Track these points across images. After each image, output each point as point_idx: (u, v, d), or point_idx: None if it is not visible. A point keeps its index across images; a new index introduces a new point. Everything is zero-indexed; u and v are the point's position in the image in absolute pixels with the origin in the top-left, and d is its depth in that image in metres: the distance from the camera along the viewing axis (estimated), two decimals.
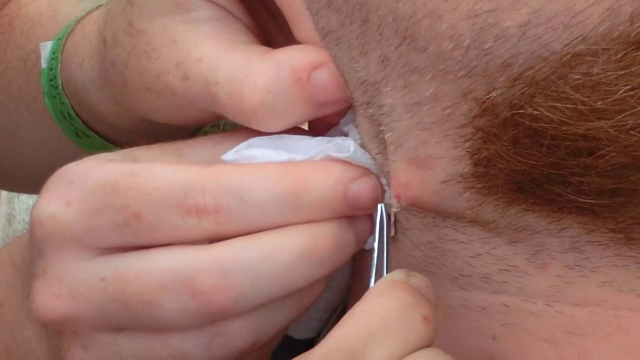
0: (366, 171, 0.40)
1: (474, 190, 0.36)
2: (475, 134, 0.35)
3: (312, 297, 0.42)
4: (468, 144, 0.35)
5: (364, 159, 0.40)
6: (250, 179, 0.39)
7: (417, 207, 0.38)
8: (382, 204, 0.38)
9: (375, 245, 0.38)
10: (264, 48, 0.42)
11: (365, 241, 0.42)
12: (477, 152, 0.35)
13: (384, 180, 0.41)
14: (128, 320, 0.40)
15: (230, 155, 0.41)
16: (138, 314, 0.39)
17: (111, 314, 0.40)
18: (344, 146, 0.40)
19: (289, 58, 0.40)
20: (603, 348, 0.37)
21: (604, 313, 0.37)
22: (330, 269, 0.40)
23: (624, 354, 0.37)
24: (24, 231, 0.47)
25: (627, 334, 0.37)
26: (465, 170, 0.36)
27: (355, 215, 0.41)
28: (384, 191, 0.41)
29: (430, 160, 0.36)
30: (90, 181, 0.40)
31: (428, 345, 0.34)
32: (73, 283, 0.40)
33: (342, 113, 0.42)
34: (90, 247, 0.40)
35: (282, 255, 0.38)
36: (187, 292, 0.38)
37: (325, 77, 0.40)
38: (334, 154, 0.40)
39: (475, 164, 0.35)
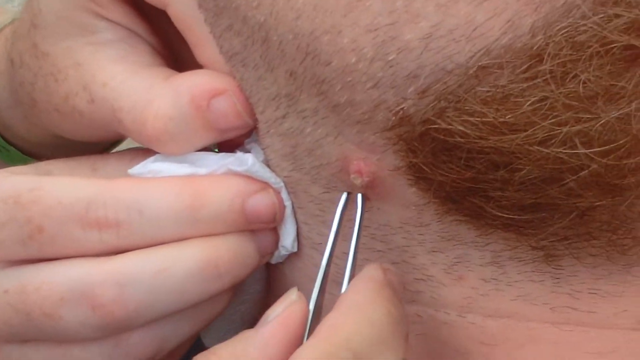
0: (265, 185, 0.40)
1: (418, 188, 0.35)
2: (398, 141, 0.34)
3: (214, 310, 0.41)
4: (396, 147, 0.34)
5: (264, 172, 0.39)
6: (149, 193, 0.38)
7: (376, 189, 0.36)
8: (361, 194, 0.36)
9: (333, 228, 0.37)
10: (168, 71, 0.41)
11: (270, 254, 0.42)
12: (405, 158, 0.34)
13: (284, 195, 0.40)
14: (31, 332, 0.39)
15: (136, 169, 0.40)
16: (40, 326, 0.38)
17: (15, 326, 0.39)
18: (244, 160, 0.39)
19: (189, 85, 0.39)
20: (514, 358, 0.36)
21: (516, 325, 0.36)
22: (231, 283, 0.39)
23: None
24: None
25: (538, 345, 0.36)
26: (402, 166, 0.35)
27: (258, 229, 0.40)
28: (283, 207, 0.40)
29: (375, 147, 0.35)
30: None
31: None
32: None
33: (247, 135, 0.41)
34: None
35: (178, 268, 0.38)
36: (86, 304, 0.38)
37: (224, 105, 0.39)
38: (235, 168, 0.39)
39: (409, 167, 0.34)
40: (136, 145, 0.42)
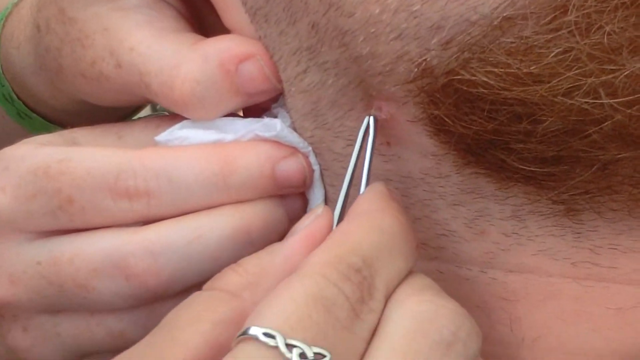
0: (294, 150, 0.39)
1: (437, 139, 0.34)
2: (419, 93, 0.33)
3: None
4: (417, 99, 0.34)
5: (292, 137, 0.39)
6: (179, 161, 0.38)
7: (393, 131, 0.36)
8: (372, 116, 0.36)
9: (368, 152, 0.36)
10: (194, 36, 0.41)
11: (298, 219, 0.40)
12: (427, 109, 0.34)
13: (312, 159, 0.40)
14: (64, 302, 0.39)
15: (163, 136, 0.40)
16: (73, 297, 0.38)
17: (48, 297, 0.39)
18: (271, 125, 0.39)
19: (217, 49, 0.39)
20: (535, 314, 0.36)
21: (537, 280, 0.36)
22: (262, 248, 0.38)
23: (556, 319, 0.36)
24: None
25: (559, 300, 0.35)
26: (423, 118, 0.34)
27: (287, 194, 0.40)
28: (312, 171, 0.40)
29: (396, 97, 0.35)
30: (23, 166, 0.39)
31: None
32: (11, 268, 0.39)
33: (274, 99, 0.41)
34: (26, 231, 0.39)
35: (211, 235, 0.38)
36: (120, 274, 0.38)
37: (252, 69, 0.39)
38: (262, 133, 0.39)
39: (430, 119, 0.34)
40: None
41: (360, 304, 0.31)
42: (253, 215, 0.39)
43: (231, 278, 0.35)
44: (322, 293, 0.30)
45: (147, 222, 0.38)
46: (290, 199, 0.40)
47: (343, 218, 0.35)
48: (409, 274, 0.33)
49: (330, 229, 0.35)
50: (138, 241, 0.38)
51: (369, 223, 0.33)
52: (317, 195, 0.40)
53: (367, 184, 0.36)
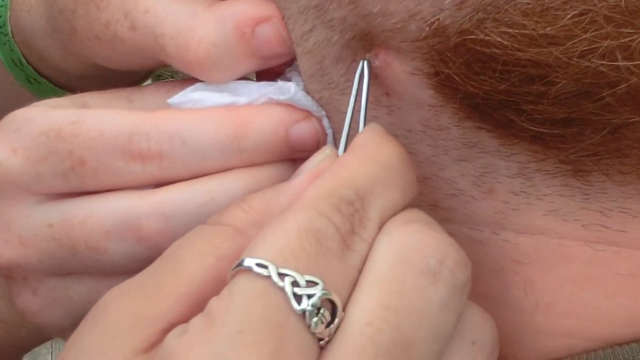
0: (307, 114, 0.39)
1: (437, 91, 0.34)
2: (429, 51, 0.33)
3: None
4: (426, 56, 0.33)
5: (306, 101, 0.39)
6: (192, 123, 0.38)
7: (386, 81, 0.36)
8: (366, 60, 0.36)
9: (364, 94, 0.36)
10: None
11: None
12: (435, 66, 0.33)
13: (326, 123, 0.39)
14: (75, 265, 0.39)
15: (176, 98, 0.40)
16: (85, 259, 0.38)
17: (59, 259, 0.39)
18: (285, 89, 0.39)
19: (233, 12, 0.39)
20: (548, 277, 0.36)
21: (548, 242, 0.35)
22: None
23: (568, 284, 0.36)
24: None
25: (572, 264, 0.35)
26: (430, 73, 0.34)
27: (298, 158, 0.39)
28: (325, 134, 0.39)
29: (401, 49, 0.34)
30: (35, 128, 0.38)
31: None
32: (21, 229, 0.39)
33: (288, 63, 0.40)
34: (37, 193, 0.39)
35: (223, 198, 0.38)
36: (132, 236, 0.38)
37: (269, 32, 0.39)
38: (276, 97, 0.39)
39: (436, 74, 0.33)
40: None
41: (351, 235, 0.31)
42: (265, 179, 0.38)
43: (237, 214, 0.35)
44: (314, 225, 0.31)
45: (159, 184, 0.38)
46: (302, 163, 0.40)
47: None
48: (407, 207, 0.34)
49: None
50: (150, 203, 0.38)
51: (366, 155, 0.33)
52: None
53: (365, 124, 0.36)
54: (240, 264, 0.30)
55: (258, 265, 0.29)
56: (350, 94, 0.37)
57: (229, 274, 0.30)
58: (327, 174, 0.33)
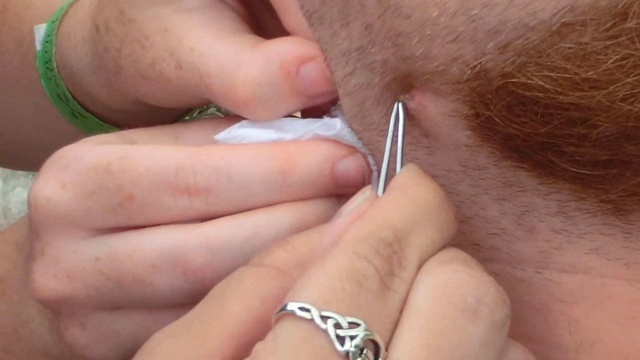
0: (353, 150, 0.39)
1: (475, 132, 0.34)
2: (470, 93, 0.33)
3: None
4: (467, 98, 0.34)
5: (351, 137, 0.39)
6: (239, 158, 0.38)
7: (422, 123, 0.36)
8: (401, 102, 0.36)
9: (400, 135, 0.36)
10: (255, 38, 0.41)
11: None
12: (476, 107, 0.34)
13: (371, 160, 0.39)
14: (123, 299, 0.39)
15: (222, 135, 0.40)
16: (132, 293, 0.39)
17: (106, 294, 0.39)
18: (331, 125, 0.39)
19: (278, 52, 0.39)
20: (592, 316, 0.35)
21: (592, 281, 0.35)
22: None
23: (613, 324, 0.35)
24: None
25: (616, 303, 0.35)
26: (468, 114, 0.34)
27: (345, 194, 0.39)
28: (371, 171, 0.39)
29: (439, 91, 0.34)
30: (84, 164, 0.39)
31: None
32: (69, 263, 0.39)
33: (333, 102, 0.40)
34: (85, 228, 0.39)
35: (268, 233, 0.38)
36: (178, 270, 0.38)
37: (313, 71, 0.39)
38: (322, 133, 0.39)
39: (476, 116, 0.34)
40: None
41: (391, 276, 0.31)
42: (310, 214, 0.39)
43: (280, 255, 0.35)
44: (353, 267, 0.31)
45: (205, 219, 0.38)
46: (348, 199, 0.40)
47: None
48: (445, 246, 0.34)
49: None
50: (196, 237, 0.38)
51: (403, 196, 0.34)
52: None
53: (403, 164, 0.36)
54: (283, 308, 0.30)
55: (300, 309, 0.30)
56: (389, 135, 0.37)
57: (273, 318, 0.31)
58: (365, 217, 0.33)
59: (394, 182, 0.35)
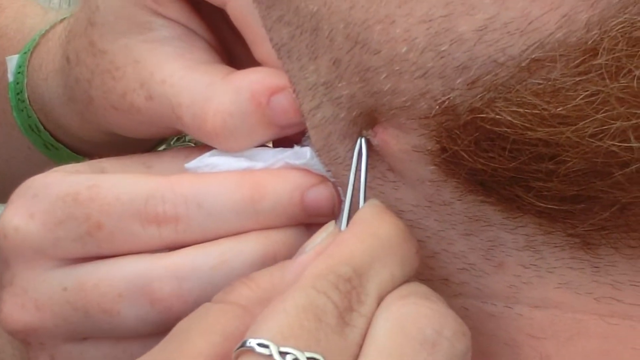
0: (323, 178, 0.39)
1: (439, 167, 0.34)
2: (437, 128, 0.33)
3: None
4: (433, 133, 0.34)
5: (321, 166, 0.39)
6: (208, 186, 0.38)
7: (386, 158, 0.36)
8: (364, 138, 0.36)
9: (363, 171, 0.36)
10: (226, 68, 0.41)
11: None
12: (442, 143, 0.34)
13: (340, 190, 0.39)
14: (90, 329, 0.39)
15: (193, 163, 0.40)
16: (99, 323, 0.38)
17: (74, 324, 0.39)
18: (301, 153, 0.39)
19: (249, 82, 0.39)
20: (564, 352, 0.35)
21: (563, 316, 0.35)
22: None
23: (584, 358, 0.35)
24: None
25: (588, 339, 0.35)
26: (433, 150, 0.34)
27: (314, 223, 0.39)
28: (340, 200, 0.39)
29: (404, 127, 0.34)
30: (53, 193, 0.39)
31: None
32: (37, 294, 0.39)
33: (304, 131, 0.40)
34: (53, 258, 0.39)
35: (237, 261, 0.38)
36: (145, 299, 0.37)
37: (284, 101, 0.39)
38: (292, 162, 0.39)
39: (442, 150, 0.34)
40: None
41: (349, 311, 0.31)
42: (279, 242, 0.38)
43: (242, 291, 0.35)
44: (312, 302, 0.31)
45: (174, 247, 0.38)
46: (316, 229, 0.39)
47: None
48: (407, 281, 0.34)
49: None
50: (163, 266, 0.38)
51: (364, 231, 0.34)
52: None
53: (366, 199, 0.36)
54: (243, 345, 0.30)
55: (259, 345, 0.30)
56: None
57: (233, 355, 0.30)
58: (325, 252, 0.33)
59: (355, 217, 0.35)
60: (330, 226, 0.35)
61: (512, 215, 0.34)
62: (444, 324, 0.31)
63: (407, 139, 0.34)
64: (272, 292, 0.34)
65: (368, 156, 0.36)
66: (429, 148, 0.34)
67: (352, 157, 0.37)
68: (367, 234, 0.33)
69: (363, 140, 0.36)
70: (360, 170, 0.36)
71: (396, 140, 0.35)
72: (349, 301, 0.31)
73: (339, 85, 0.36)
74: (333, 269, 0.32)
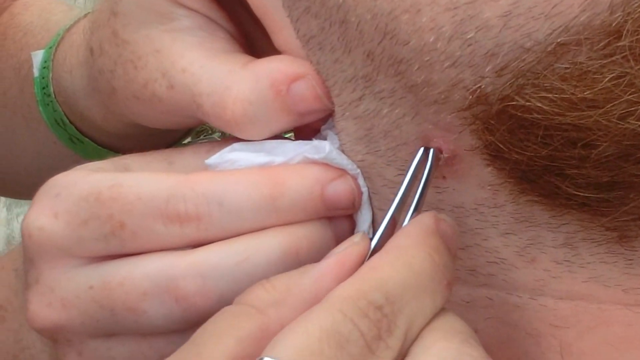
0: (342, 172, 0.39)
1: (494, 167, 0.34)
2: (474, 120, 0.33)
3: None
4: (472, 127, 0.33)
5: (340, 159, 0.39)
6: (228, 184, 0.38)
7: (454, 167, 0.36)
8: (433, 149, 0.35)
9: (421, 186, 0.36)
10: (245, 57, 0.41)
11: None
12: (482, 137, 0.33)
13: (361, 181, 0.39)
14: (116, 326, 0.39)
15: (213, 159, 0.40)
16: (124, 320, 0.38)
17: (100, 321, 0.39)
18: (320, 147, 0.39)
19: (269, 70, 0.39)
20: (585, 340, 0.35)
21: (588, 307, 0.35)
22: None
23: (607, 346, 0.35)
24: None
25: (610, 327, 0.35)
26: (481, 147, 0.34)
27: (334, 216, 0.39)
28: (360, 193, 0.39)
29: (452, 127, 0.34)
30: (75, 193, 0.38)
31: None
32: (63, 292, 0.39)
33: (324, 119, 0.40)
34: (78, 256, 0.39)
35: (259, 257, 0.37)
36: (169, 297, 0.37)
37: (304, 89, 0.38)
38: (311, 156, 0.39)
39: (486, 147, 0.33)
40: None
41: (377, 341, 0.31)
42: (301, 237, 0.38)
43: (259, 294, 0.34)
44: (337, 328, 0.30)
45: (196, 245, 0.38)
46: (338, 221, 0.40)
47: (381, 247, 0.35)
48: (440, 312, 0.33)
49: (364, 258, 0.34)
50: (187, 264, 0.37)
51: (400, 259, 0.33)
52: (365, 217, 0.40)
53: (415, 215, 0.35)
54: None
55: None
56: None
57: None
58: (358, 275, 0.33)
59: (396, 240, 0.34)
60: (357, 237, 0.35)
61: (558, 213, 0.34)
62: None
63: (462, 140, 0.34)
64: (288, 295, 0.34)
65: (432, 169, 0.35)
66: (478, 146, 0.34)
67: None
68: (401, 262, 0.33)
69: (430, 151, 0.35)
70: (420, 179, 0.36)
71: (457, 143, 0.34)
72: (379, 330, 0.31)
73: (378, 78, 0.35)
74: (365, 294, 0.31)
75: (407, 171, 0.35)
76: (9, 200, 1.34)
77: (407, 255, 0.33)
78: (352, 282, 0.32)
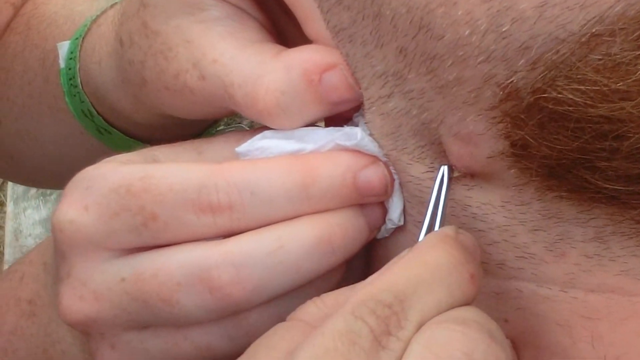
0: (375, 159, 0.39)
1: (517, 169, 0.34)
2: (503, 117, 0.33)
3: (328, 286, 0.40)
4: (501, 125, 0.33)
5: (372, 146, 0.39)
6: (260, 173, 0.38)
7: (472, 176, 0.36)
8: (447, 166, 0.36)
9: (432, 201, 0.36)
10: (276, 47, 0.41)
11: (378, 229, 0.40)
12: (510, 134, 0.33)
13: (393, 169, 0.39)
14: (150, 318, 0.39)
15: (243, 147, 0.40)
16: (158, 312, 0.38)
17: (133, 313, 0.39)
18: (352, 134, 0.38)
19: (300, 60, 0.39)
20: (617, 332, 0.35)
21: (619, 299, 0.34)
22: (343, 258, 0.39)
23: (637, 338, 0.35)
24: (32, 245, 0.47)
25: None
26: (505, 149, 0.34)
27: (366, 203, 0.39)
28: (393, 179, 0.39)
29: (472, 136, 0.34)
30: (106, 185, 0.38)
31: (470, 303, 0.34)
32: (95, 285, 0.39)
33: (356, 108, 0.40)
34: (109, 249, 0.39)
35: (293, 246, 0.38)
36: (203, 287, 0.37)
37: (336, 79, 0.38)
38: (343, 143, 0.38)
39: (512, 145, 0.33)
40: None
41: (386, 335, 0.31)
42: (334, 225, 0.38)
43: (310, 309, 0.35)
44: (349, 327, 0.31)
45: (229, 235, 0.38)
46: (370, 208, 0.40)
47: None
48: (464, 306, 0.33)
49: None
50: (220, 253, 0.37)
51: (415, 259, 0.34)
52: (396, 204, 0.40)
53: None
54: None
55: None
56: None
57: None
58: (369, 280, 0.33)
59: (413, 248, 0.35)
60: (405, 251, 0.35)
61: (586, 208, 0.33)
62: (474, 348, 0.31)
63: (479, 150, 0.34)
64: (336, 309, 0.34)
65: (449, 185, 0.36)
66: (500, 150, 0.34)
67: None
68: (415, 261, 0.33)
69: (445, 168, 0.36)
70: (440, 196, 0.36)
71: (478, 150, 0.34)
72: (387, 325, 0.31)
73: (409, 77, 0.35)
74: (373, 295, 0.32)
75: (431, 193, 0.36)
76: (16, 194, 1.34)
77: (422, 255, 0.34)
78: (364, 287, 0.33)
